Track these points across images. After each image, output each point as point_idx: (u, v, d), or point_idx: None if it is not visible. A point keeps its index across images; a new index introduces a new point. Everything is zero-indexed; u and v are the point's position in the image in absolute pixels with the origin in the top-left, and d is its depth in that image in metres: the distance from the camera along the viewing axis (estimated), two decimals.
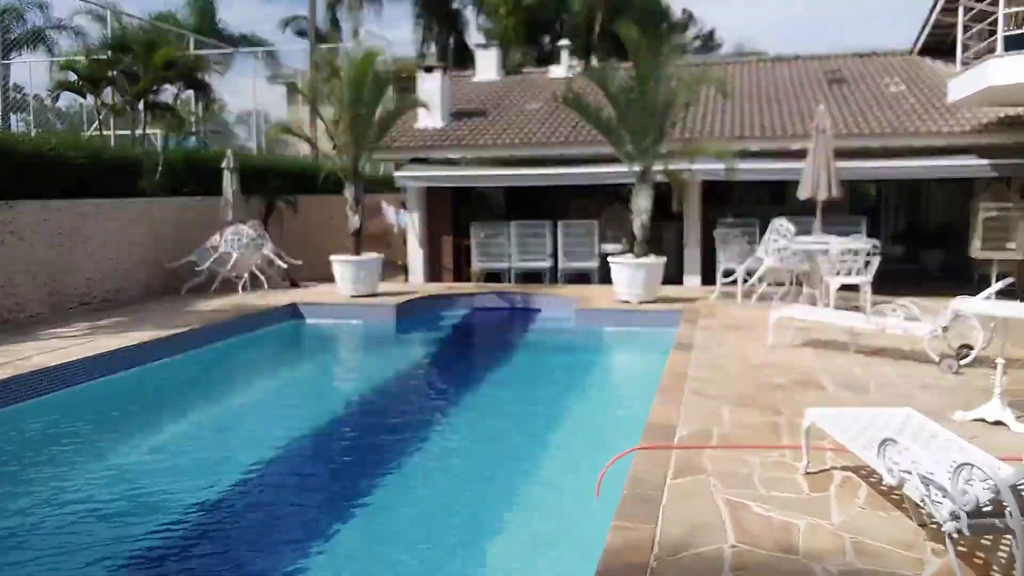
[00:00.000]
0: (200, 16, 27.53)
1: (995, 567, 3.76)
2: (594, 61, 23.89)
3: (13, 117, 21.99)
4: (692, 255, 14.79)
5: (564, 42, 21.00)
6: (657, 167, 12.36)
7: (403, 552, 4.97)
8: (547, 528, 5.26)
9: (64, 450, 6.83)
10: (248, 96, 22.42)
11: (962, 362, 7.64)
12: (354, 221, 13.57)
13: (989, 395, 6.10)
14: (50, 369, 8.16)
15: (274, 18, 32.66)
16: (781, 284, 12.08)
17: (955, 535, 3.51)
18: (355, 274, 13.11)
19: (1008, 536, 3.62)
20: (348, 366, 10.85)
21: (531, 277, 15.62)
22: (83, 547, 4.96)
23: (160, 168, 14.81)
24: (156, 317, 11.30)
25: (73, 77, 15.82)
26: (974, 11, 12.02)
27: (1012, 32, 10.67)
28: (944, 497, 3.57)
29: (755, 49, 36.06)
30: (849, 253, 10.37)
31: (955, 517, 3.47)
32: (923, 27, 16.18)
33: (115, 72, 15.75)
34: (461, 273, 16.71)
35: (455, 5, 33.40)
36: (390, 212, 20.39)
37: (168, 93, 17.49)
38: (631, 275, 12.00)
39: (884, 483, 4.44)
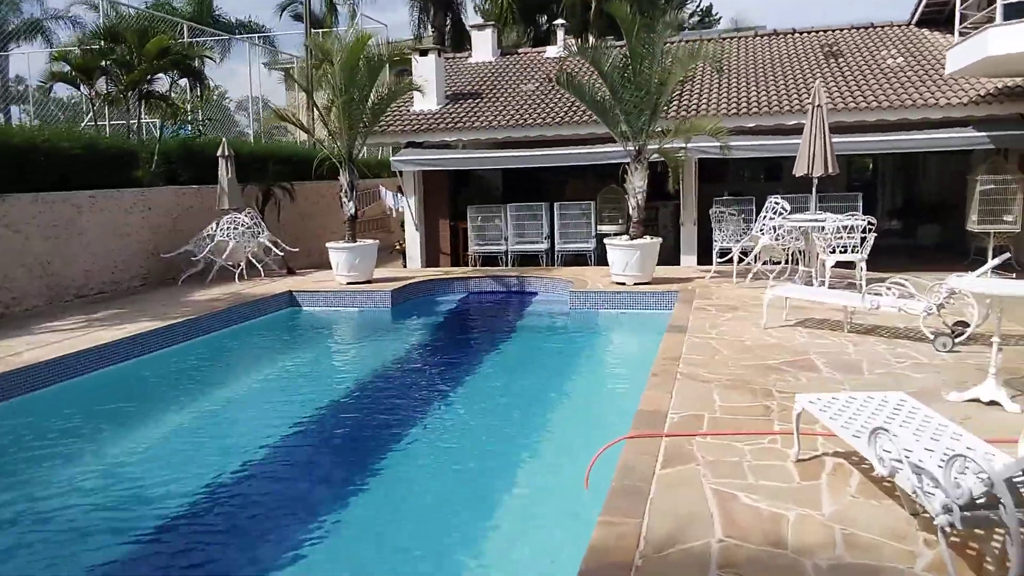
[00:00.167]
0: (198, 3, 27.29)
1: (988, 558, 3.71)
2: (592, 40, 23.65)
3: (15, 109, 21.97)
4: (689, 234, 14.73)
5: (560, 21, 20.83)
6: (652, 146, 12.26)
7: (404, 539, 5.00)
8: (538, 513, 5.26)
9: (55, 445, 6.84)
10: (249, 83, 22.19)
11: (957, 340, 7.59)
12: (349, 207, 13.49)
13: (984, 374, 6.05)
14: (39, 365, 8.16)
15: (274, 3, 32.21)
16: (777, 262, 12.02)
17: (947, 528, 3.46)
18: (351, 261, 13.07)
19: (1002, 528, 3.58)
20: (342, 354, 10.82)
21: (528, 259, 15.59)
22: (78, 541, 5.01)
23: (156, 158, 14.76)
24: (153, 307, 11.29)
25: (67, 68, 15.72)
26: None
27: (1011, 0, 10.52)
28: (936, 488, 3.53)
29: (752, 24, 35.74)
30: (844, 230, 10.31)
31: (947, 510, 3.41)
32: None
33: (108, 62, 15.64)
34: (459, 257, 16.67)
35: None
36: (388, 196, 20.28)
37: (163, 82, 17.42)
38: (626, 256, 11.94)
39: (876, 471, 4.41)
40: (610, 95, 12.28)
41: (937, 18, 15.90)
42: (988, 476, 3.25)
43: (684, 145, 12.42)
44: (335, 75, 12.97)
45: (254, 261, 14.15)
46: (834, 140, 11.20)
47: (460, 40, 30.85)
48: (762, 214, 11.78)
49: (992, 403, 5.82)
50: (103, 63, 15.58)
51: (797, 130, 11.99)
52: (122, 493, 5.87)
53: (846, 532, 3.94)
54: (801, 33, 17.71)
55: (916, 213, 17.72)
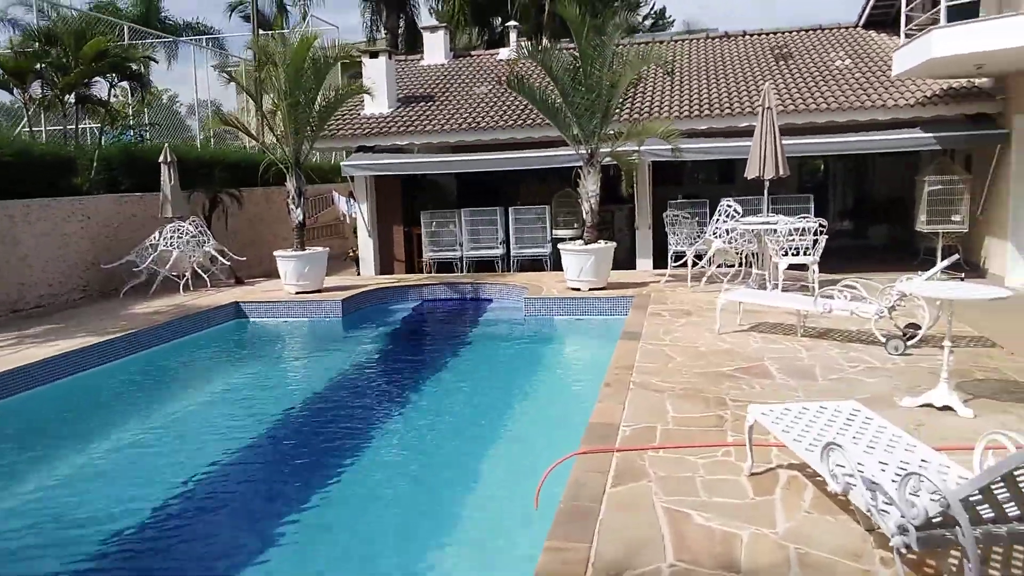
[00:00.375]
0: (145, 4, 26.56)
1: (945, 575, 3.61)
2: (544, 42, 23.53)
3: None
4: (644, 238, 14.64)
5: (513, 23, 20.65)
6: (604, 149, 12.15)
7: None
8: (485, 537, 5.06)
9: None
10: (200, 86, 21.66)
11: (909, 343, 7.57)
12: (296, 214, 13.16)
13: (936, 377, 6.02)
14: None
15: (224, 4, 31.53)
16: (731, 266, 11.98)
17: (903, 550, 3.34)
18: (300, 269, 12.73)
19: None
20: (288, 367, 10.47)
21: (484, 265, 15.37)
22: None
23: (95, 164, 14.25)
24: (92, 322, 10.87)
25: None
26: None
27: (955, 2, 10.60)
28: (891, 505, 3.41)
29: (705, 26, 35.99)
30: (796, 232, 10.30)
31: (903, 531, 3.29)
32: None
33: (43, 65, 15.07)
34: (414, 264, 16.39)
35: None
36: (341, 202, 19.92)
37: (101, 86, 16.86)
38: (581, 262, 11.80)
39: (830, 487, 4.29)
40: (561, 98, 12.14)
41: (884, 20, 16.06)
42: (943, 496, 3.13)
43: (637, 148, 12.33)
44: (279, 78, 12.64)
45: (200, 271, 13.73)
46: (785, 142, 11.19)
47: (414, 42, 30.45)
48: (715, 217, 11.73)
49: (945, 408, 5.78)
50: (37, 66, 15.02)
51: (749, 132, 11.95)
52: (50, 522, 5.54)
53: (800, 551, 3.81)
54: (751, 35, 17.79)
55: (867, 214, 17.91)
